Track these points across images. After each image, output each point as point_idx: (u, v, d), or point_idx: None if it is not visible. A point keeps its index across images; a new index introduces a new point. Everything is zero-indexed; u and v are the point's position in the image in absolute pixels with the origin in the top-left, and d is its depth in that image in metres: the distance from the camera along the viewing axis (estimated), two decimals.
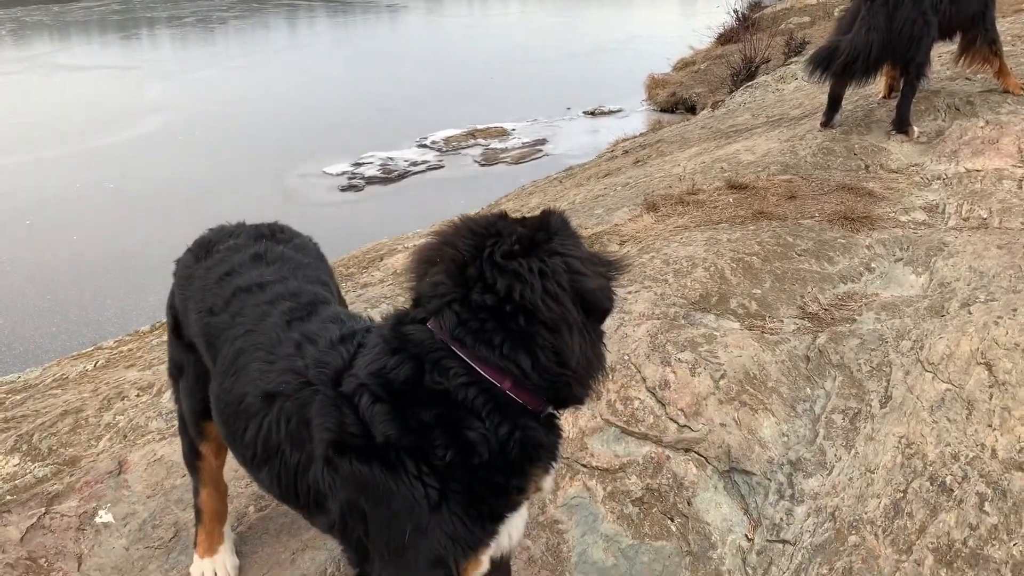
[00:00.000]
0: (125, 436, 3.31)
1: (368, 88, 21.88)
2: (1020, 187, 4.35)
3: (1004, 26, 6.62)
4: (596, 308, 1.71)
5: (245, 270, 2.20)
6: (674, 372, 3.07)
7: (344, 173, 15.00)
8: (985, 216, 4.09)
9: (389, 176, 14.85)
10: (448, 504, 1.70)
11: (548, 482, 1.90)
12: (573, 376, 1.68)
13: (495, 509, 1.78)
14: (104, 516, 2.86)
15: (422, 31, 33.61)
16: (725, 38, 20.65)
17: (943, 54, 6.06)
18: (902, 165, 4.94)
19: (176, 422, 2.59)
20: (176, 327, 2.36)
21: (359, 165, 15.33)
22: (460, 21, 36.54)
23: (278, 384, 1.88)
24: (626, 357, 3.15)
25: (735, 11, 22.21)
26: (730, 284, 3.63)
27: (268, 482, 1.96)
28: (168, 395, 3.47)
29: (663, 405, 2.96)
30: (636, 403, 2.97)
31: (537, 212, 1.82)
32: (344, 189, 14.39)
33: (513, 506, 1.82)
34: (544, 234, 1.69)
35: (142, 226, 12.70)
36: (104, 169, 15.80)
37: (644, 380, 3.05)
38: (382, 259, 5.75)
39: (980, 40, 5.57)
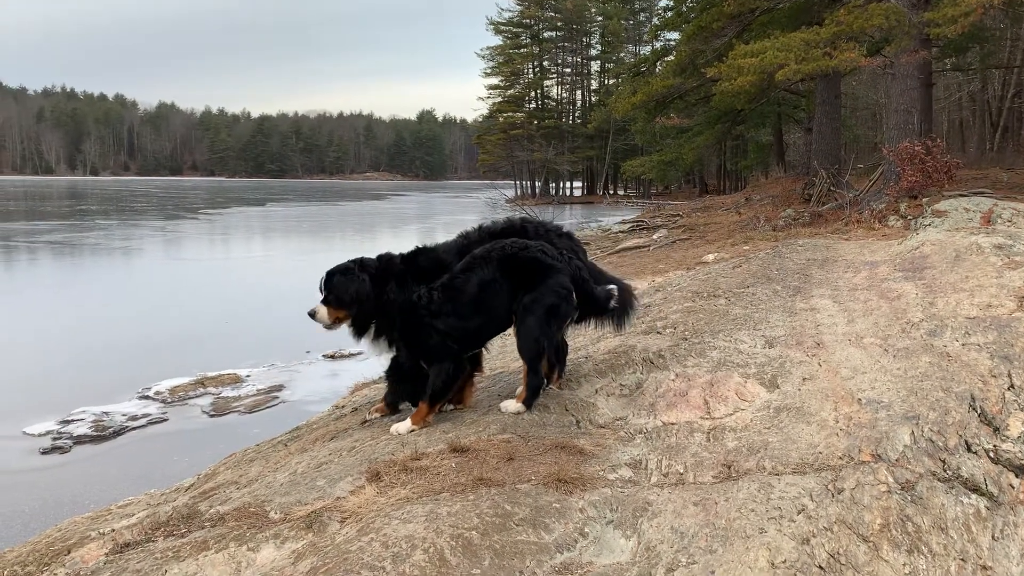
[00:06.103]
0: None
1: (87, 337, 20.23)
2: (709, 440, 4.75)
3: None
4: None
5: None
6: None
7: (48, 433, 13.31)
8: (681, 471, 4.38)
9: (102, 434, 13.41)
10: None
11: None
12: None
13: None
14: None
15: (155, 274, 32.32)
16: None
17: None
18: (608, 419, 5.26)
19: None
20: None
21: (67, 423, 13.72)
22: (199, 264, 35.78)
23: None
24: None
25: None
26: (449, 566, 3.49)
27: None
28: None
29: None
30: None
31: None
32: (46, 452, 12.70)
33: None
34: None
35: None
36: None
37: None
38: (69, 552, 4.95)
39: None
